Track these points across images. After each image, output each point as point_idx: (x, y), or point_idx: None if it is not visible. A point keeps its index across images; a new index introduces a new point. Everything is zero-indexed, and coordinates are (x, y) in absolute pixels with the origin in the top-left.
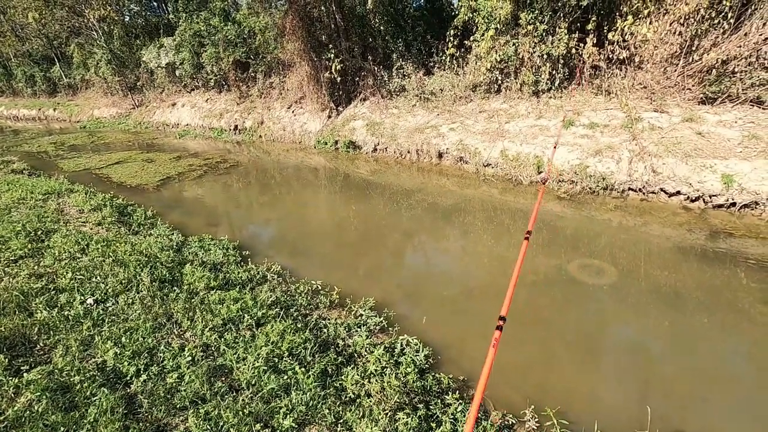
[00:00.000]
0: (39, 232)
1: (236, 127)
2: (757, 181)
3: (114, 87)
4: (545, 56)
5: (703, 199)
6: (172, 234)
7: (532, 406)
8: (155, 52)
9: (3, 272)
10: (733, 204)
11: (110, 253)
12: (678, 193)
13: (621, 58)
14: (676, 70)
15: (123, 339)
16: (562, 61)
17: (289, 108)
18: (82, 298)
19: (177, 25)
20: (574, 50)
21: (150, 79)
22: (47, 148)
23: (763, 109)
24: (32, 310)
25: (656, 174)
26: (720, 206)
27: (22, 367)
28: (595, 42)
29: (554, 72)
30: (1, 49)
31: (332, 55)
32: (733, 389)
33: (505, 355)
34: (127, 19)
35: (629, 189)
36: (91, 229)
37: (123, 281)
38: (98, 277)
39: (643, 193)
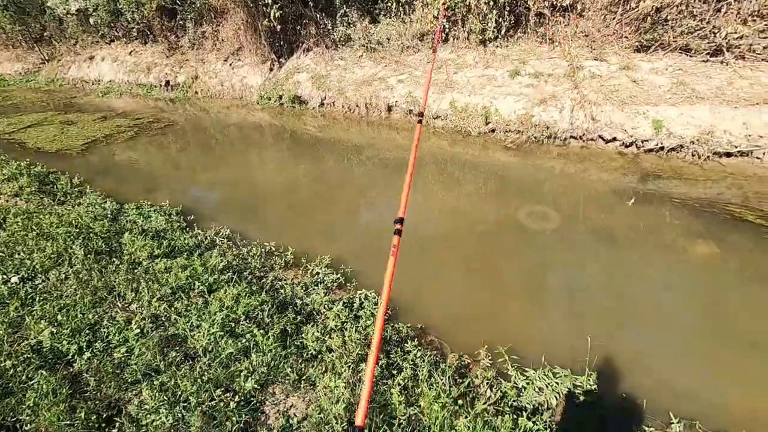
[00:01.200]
0: None
1: (168, 82)
2: (682, 126)
3: (15, 38)
4: (491, 2)
5: (636, 145)
6: (105, 202)
7: (486, 346)
8: None
9: None
10: (662, 148)
11: (33, 227)
12: (614, 139)
13: (564, 5)
14: (615, 18)
15: (59, 317)
16: (507, 9)
17: (225, 60)
18: (5, 277)
19: None
20: None
21: (59, 29)
22: None
23: (690, 56)
24: None
25: (595, 121)
26: (650, 150)
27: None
28: None
29: (501, 20)
30: None
31: (269, 0)
32: (659, 315)
33: (460, 303)
34: None
35: (571, 137)
36: (7, 201)
37: (52, 256)
38: (21, 254)
39: (583, 141)
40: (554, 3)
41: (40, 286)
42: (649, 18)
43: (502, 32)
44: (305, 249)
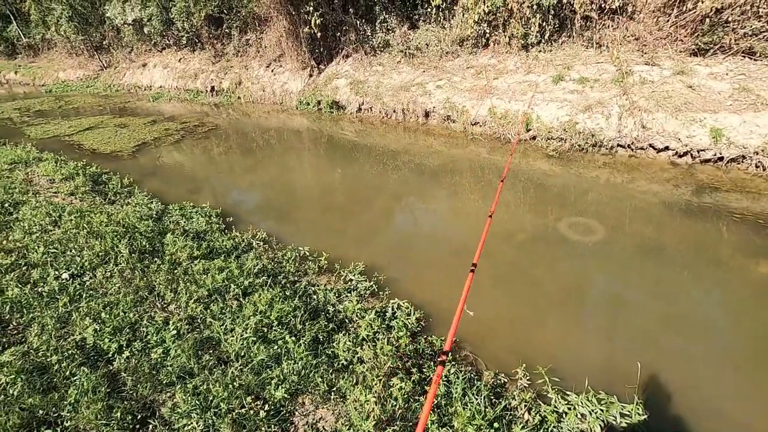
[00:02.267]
0: (6, 205)
1: (213, 88)
2: (745, 135)
3: (78, 47)
4: (535, 6)
5: (691, 154)
6: (151, 202)
7: (524, 365)
8: (120, 7)
9: None
10: (721, 158)
11: (85, 225)
12: (666, 148)
13: (613, 7)
14: (668, 20)
15: (103, 314)
16: (552, 12)
17: (267, 67)
18: (57, 273)
19: None
20: (565, 0)
21: (117, 38)
22: (11, 115)
23: (754, 60)
24: (2, 288)
25: (645, 129)
26: (707, 161)
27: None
28: None
29: (544, 24)
30: None
31: (311, 8)
32: (714, 339)
33: (496, 316)
34: None
35: (618, 145)
36: (63, 199)
37: (100, 254)
38: (73, 251)
39: (632, 149)
40: (602, 6)
41: (88, 282)
42: (707, 20)
43: (546, 36)
44: (339, 254)
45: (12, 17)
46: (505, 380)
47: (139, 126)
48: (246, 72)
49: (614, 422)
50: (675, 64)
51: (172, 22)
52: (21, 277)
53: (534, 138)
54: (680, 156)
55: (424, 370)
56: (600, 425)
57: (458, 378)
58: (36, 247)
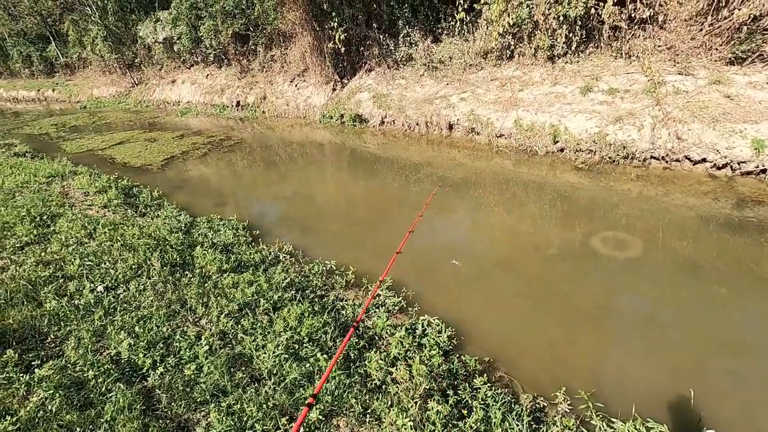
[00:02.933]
0: (44, 217)
1: (238, 103)
2: None
3: (112, 65)
4: (561, 18)
5: (731, 166)
6: (180, 215)
7: (564, 388)
8: (151, 26)
9: (9, 260)
10: (764, 171)
11: (118, 237)
12: (704, 160)
13: (644, 17)
14: (702, 29)
15: (137, 328)
16: (579, 23)
17: (291, 82)
18: (92, 285)
19: None
20: (592, 10)
21: (148, 56)
22: (48, 130)
23: None
24: (41, 300)
25: (681, 141)
26: (749, 173)
27: (33, 362)
28: (615, 0)
29: (571, 35)
30: None
31: (335, 24)
32: None
33: (530, 334)
34: None
35: (651, 157)
36: (97, 212)
37: (133, 266)
38: (107, 263)
39: (666, 162)
40: (632, 15)
41: (122, 295)
42: (744, 27)
43: (572, 47)
44: (365, 268)
45: (51, 38)
46: (545, 404)
47: (167, 140)
48: (270, 87)
49: None
50: (710, 73)
51: (201, 40)
52: (58, 290)
53: (562, 150)
54: (719, 168)
55: (459, 391)
56: None
57: (496, 401)
58: (72, 260)
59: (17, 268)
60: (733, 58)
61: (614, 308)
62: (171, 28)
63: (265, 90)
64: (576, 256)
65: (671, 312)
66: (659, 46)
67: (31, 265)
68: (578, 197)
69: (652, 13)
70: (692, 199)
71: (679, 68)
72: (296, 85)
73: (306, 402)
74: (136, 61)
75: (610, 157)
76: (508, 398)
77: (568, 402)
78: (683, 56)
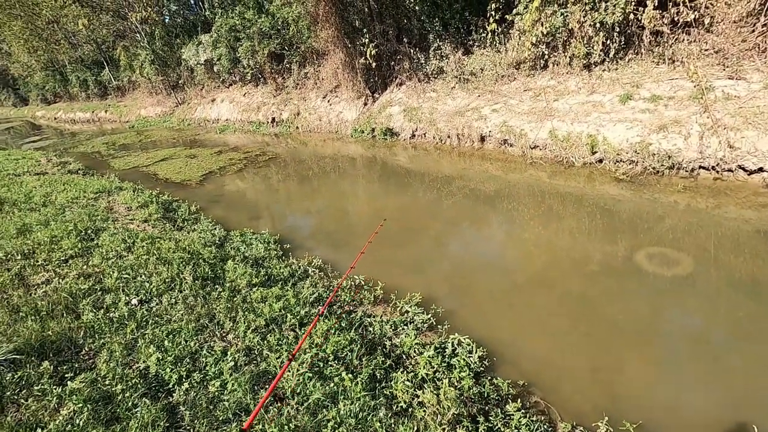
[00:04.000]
0: (89, 231)
1: (273, 119)
2: None
3: (158, 86)
4: (598, 25)
5: None
6: (215, 229)
7: (606, 418)
8: (194, 49)
9: (54, 273)
10: None
11: (155, 251)
12: (760, 170)
13: (688, 20)
14: (754, 30)
15: (166, 342)
16: (617, 29)
17: (324, 97)
18: (128, 298)
19: (213, 21)
20: (631, 15)
21: (190, 77)
22: (100, 148)
23: None
24: (79, 312)
25: (733, 149)
26: None
27: (66, 375)
28: (656, 4)
29: (608, 42)
30: (57, 57)
31: (366, 40)
32: None
33: (568, 358)
34: (167, 19)
35: (700, 167)
36: (138, 226)
37: (166, 280)
38: (143, 276)
39: (717, 172)
40: (674, 19)
41: (154, 309)
42: None
43: (610, 55)
44: (394, 284)
45: (105, 63)
46: None
47: (206, 156)
48: (304, 103)
49: None
50: (765, 76)
51: (239, 60)
52: (96, 302)
53: (601, 161)
54: None
55: (491, 417)
56: None
57: (531, 430)
58: (111, 273)
59: (60, 280)
60: None
61: (663, 330)
62: (212, 50)
63: (299, 106)
64: (619, 273)
65: (728, 335)
66: (706, 50)
67: (73, 277)
68: (619, 210)
69: (697, 16)
70: (748, 211)
71: (729, 72)
72: (329, 101)
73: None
74: (179, 82)
75: (653, 168)
76: (545, 427)
77: None
78: (733, 60)
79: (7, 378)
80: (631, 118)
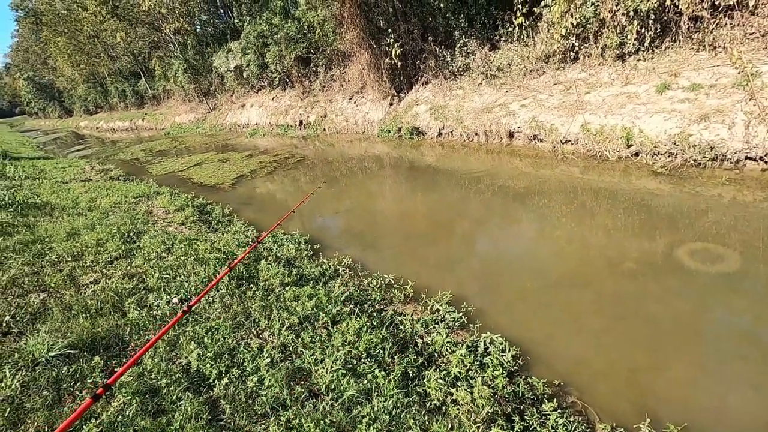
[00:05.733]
0: (131, 234)
1: (301, 122)
2: None
3: (191, 94)
4: (632, 13)
5: None
6: (248, 230)
7: (648, 420)
8: (224, 57)
9: (101, 273)
10: None
11: (192, 252)
12: None
13: (730, 3)
14: None
15: (205, 339)
16: (652, 17)
17: (350, 99)
18: (168, 297)
19: (242, 28)
20: (668, 1)
21: (221, 84)
22: (138, 155)
23: None
24: (125, 310)
25: None
26: None
27: (115, 369)
28: None
29: (643, 30)
30: (98, 69)
31: (391, 40)
32: None
33: (610, 358)
34: (198, 28)
35: (746, 158)
36: (176, 228)
37: (204, 279)
38: (182, 276)
39: (766, 162)
40: (715, 3)
41: (193, 307)
42: None
43: (645, 44)
44: (424, 283)
45: (141, 74)
46: None
47: (237, 160)
48: (330, 105)
49: None
50: None
51: (267, 65)
52: (140, 301)
53: (636, 154)
54: None
55: (526, 417)
56: None
57: (568, 430)
58: (152, 273)
59: (106, 280)
60: None
61: (707, 329)
62: (241, 57)
63: (326, 108)
64: (658, 270)
65: None
66: (751, 34)
67: (118, 278)
68: (658, 205)
69: None
70: None
71: None
72: (355, 102)
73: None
74: (210, 89)
75: (694, 160)
76: (582, 427)
77: None
78: None
79: (63, 371)
80: (669, 109)
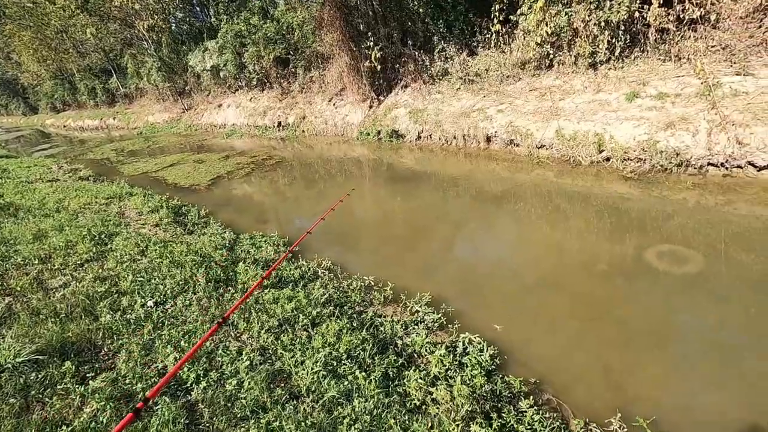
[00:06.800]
0: (103, 236)
1: (279, 123)
2: None
3: (165, 93)
4: (603, 23)
5: None
6: (225, 232)
7: (619, 414)
8: (200, 56)
9: (71, 276)
10: None
11: (167, 254)
12: None
13: (693, 17)
14: (761, 26)
15: (182, 342)
16: (622, 28)
17: (330, 101)
18: (143, 300)
19: (219, 27)
20: (636, 13)
21: (197, 83)
22: (109, 155)
23: None
24: (97, 314)
25: (742, 145)
26: None
27: (87, 374)
28: (662, 2)
29: (614, 40)
30: (66, 65)
31: (371, 43)
32: None
33: (579, 357)
34: (173, 26)
35: (709, 164)
36: (150, 230)
37: (180, 282)
38: (157, 279)
39: (727, 168)
40: (680, 16)
41: (169, 310)
42: None
43: (616, 53)
44: (404, 284)
45: (113, 71)
46: (598, 431)
47: (214, 161)
48: (309, 107)
49: None
50: None
51: (245, 65)
52: (113, 304)
53: (608, 159)
54: None
55: (504, 414)
56: None
57: (544, 426)
58: (126, 276)
59: (77, 284)
60: None
61: (674, 328)
62: (218, 56)
63: (305, 110)
64: (628, 272)
65: (740, 332)
66: (712, 47)
67: (89, 281)
68: (628, 208)
69: (702, 13)
70: (758, 207)
71: (736, 69)
72: (334, 104)
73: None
74: (186, 88)
75: (661, 165)
76: (557, 423)
77: (625, 430)
78: (741, 56)
79: (32, 377)
80: (638, 116)
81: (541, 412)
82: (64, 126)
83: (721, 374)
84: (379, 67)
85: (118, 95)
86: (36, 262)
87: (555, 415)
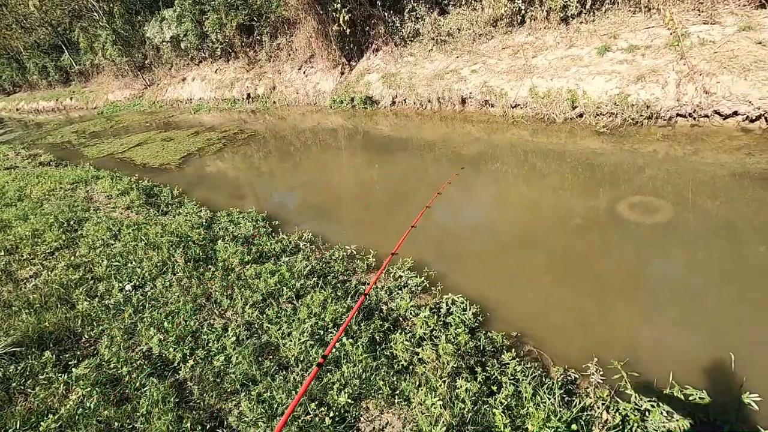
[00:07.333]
0: (71, 222)
1: (249, 95)
2: None
3: (123, 68)
4: None
5: (766, 118)
6: (201, 211)
7: (596, 359)
8: (157, 26)
9: (41, 266)
10: None
11: (142, 237)
12: (735, 113)
13: None
14: None
15: (165, 324)
16: None
17: (299, 69)
18: (120, 285)
19: None
20: None
21: (157, 56)
22: (70, 138)
23: None
24: (74, 302)
25: (709, 95)
26: None
27: (70, 362)
28: None
29: None
30: (11, 43)
31: (338, 5)
32: None
33: (557, 308)
34: None
35: (677, 115)
36: (121, 213)
37: (158, 264)
38: (133, 262)
39: (694, 118)
40: None
41: (149, 293)
42: None
43: (587, 6)
44: (386, 251)
45: (64, 47)
46: (576, 377)
47: (183, 138)
48: (279, 76)
49: (706, 419)
50: (739, 19)
51: (207, 35)
52: (89, 291)
53: (581, 116)
54: (752, 121)
55: (488, 368)
56: (690, 423)
57: (526, 376)
58: (100, 261)
59: (49, 273)
60: (763, 2)
61: (645, 276)
62: (177, 26)
63: (274, 80)
64: (602, 225)
65: (707, 276)
66: None
67: (62, 269)
68: (601, 163)
69: None
70: (724, 155)
71: (704, 17)
72: (304, 72)
73: (317, 363)
74: (146, 62)
75: (632, 119)
76: (539, 372)
77: (601, 373)
78: (708, 4)
79: (11, 370)
80: (610, 70)
81: (522, 363)
82: (17, 109)
83: (688, 315)
84: (348, 31)
85: (72, 73)
86: (1, 253)
87: (536, 364)
